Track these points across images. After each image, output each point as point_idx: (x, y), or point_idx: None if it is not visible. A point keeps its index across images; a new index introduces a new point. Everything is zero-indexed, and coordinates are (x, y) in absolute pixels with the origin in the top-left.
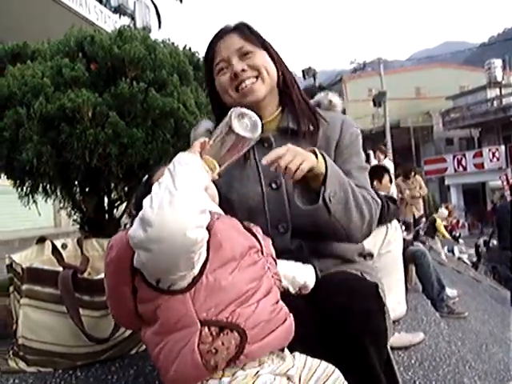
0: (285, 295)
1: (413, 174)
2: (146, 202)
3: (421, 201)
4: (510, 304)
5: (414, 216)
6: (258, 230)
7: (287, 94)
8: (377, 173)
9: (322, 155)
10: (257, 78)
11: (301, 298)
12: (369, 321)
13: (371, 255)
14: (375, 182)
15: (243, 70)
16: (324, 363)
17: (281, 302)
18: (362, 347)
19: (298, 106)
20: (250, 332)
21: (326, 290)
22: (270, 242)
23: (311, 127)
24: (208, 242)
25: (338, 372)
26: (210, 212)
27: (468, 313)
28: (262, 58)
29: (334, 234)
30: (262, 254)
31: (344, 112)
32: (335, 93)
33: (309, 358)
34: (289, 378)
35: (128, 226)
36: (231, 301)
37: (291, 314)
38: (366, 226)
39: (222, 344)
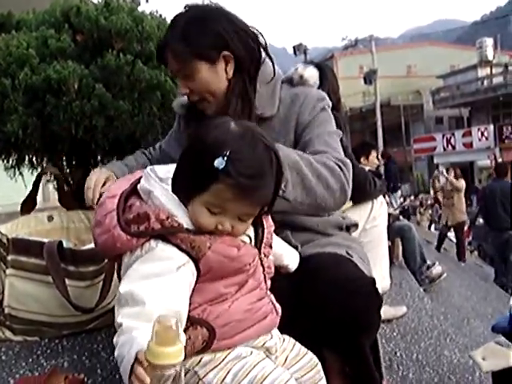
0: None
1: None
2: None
3: None
4: (493, 281)
5: None
6: (265, 215)
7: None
8: (363, 149)
9: None
10: (203, 99)
11: (287, 280)
12: (368, 320)
13: (356, 225)
14: (362, 159)
15: (189, 92)
16: (310, 354)
17: (265, 299)
18: (356, 339)
19: (248, 96)
20: (219, 330)
21: (320, 283)
22: (273, 228)
23: (268, 111)
24: (198, 265)
25: (319, 366)
26: (201, 242)
27: (451, 288)
28: (202, 81)
29: (306, 213)
30: (260, 250)
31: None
32: (308, 65)
33: (297, 344)
34: (268, 350)
35: None
36: (206, 300)
37: (277, 308)
38: (339, 194)
39: (189, 338)
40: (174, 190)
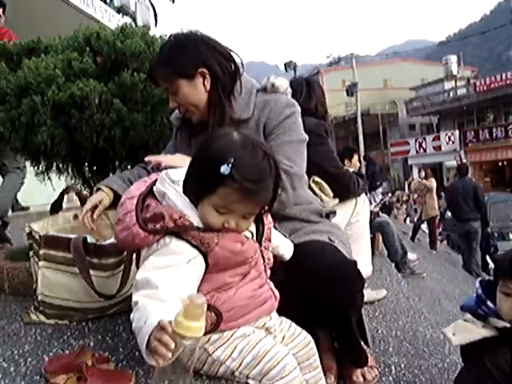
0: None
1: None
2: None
3: None
4: (460, 266)
5: None
6: (266, 214)
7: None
8: (347, 153)
9: None
10: (188, 110)
11: (282, 266)
12: (352, 299)
13: (334, 212)
14: (346, 161)
15: (177, 105)
16: (304, 333)
17: (265, 287)
18: (343, 317)
19: (230, 101)
20: (225, 314)
21: (310, 269)
22: (272, 224)
23: (245, 115)
24: (207, 259)
25: (313, 343)
26: (209, 238)
27: (425, 274)
28: (184, 95)
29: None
30: (261, 243)
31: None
32: (277, 76)
33: (293, 324)
34: (267, 329)
35: None
36: (214, 288)
37: (275, 294)
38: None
39: None
40: (184, 192)
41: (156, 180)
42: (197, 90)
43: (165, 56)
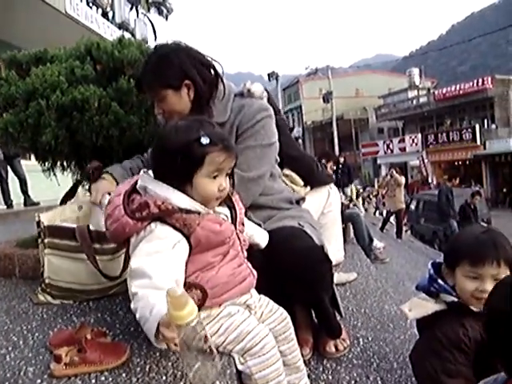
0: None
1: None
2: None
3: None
4: (421, 252)
5: None
6: (236, 199)
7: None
8: (325, 156)
9: None
10: (171, 117)
11: (258, 252)
12: (322, 279)
13: (303, 198)
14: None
15: (162, 112)
16: (281, 309)
17: (243, 265)
18: (316, 294)
19: (209, 107)
20: (210, 291)
21: (282, 254)
22: (243, 210)
23: (222, 118)
24: (189, 241)
25: (288, 318)
26: (191, 220)
27: (391, 259)
28: (170, 104)
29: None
30: (235, 227)
31: (300, 107)
32: (254, 82)
33: (271, 301)
34: (248, 306)
35: None
36: (198, 269)
37: (253, 272)
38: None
39: None
40: (164, 182)
41: (137, 180)
42: (182, 100)
43: (151, 67)
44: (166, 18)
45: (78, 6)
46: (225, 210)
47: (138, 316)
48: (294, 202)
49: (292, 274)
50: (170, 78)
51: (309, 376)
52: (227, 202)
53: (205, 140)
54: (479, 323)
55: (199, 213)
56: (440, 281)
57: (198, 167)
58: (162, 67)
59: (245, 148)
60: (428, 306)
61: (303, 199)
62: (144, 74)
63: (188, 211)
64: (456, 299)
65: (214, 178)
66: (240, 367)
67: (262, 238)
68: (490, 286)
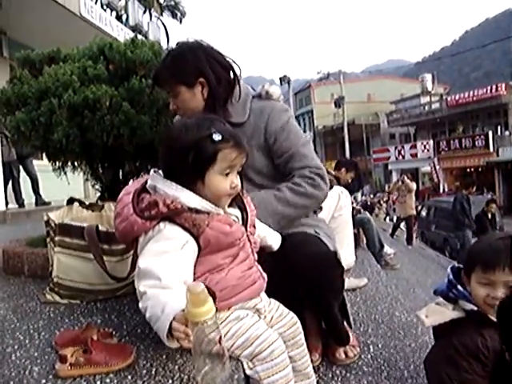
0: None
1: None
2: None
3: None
4: (431, 259)
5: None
6: (248, 201)
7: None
8: (347, 164)
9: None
10: (185, 114)
11: (270, 255)
12: (333, 284)
13: (320, 208)
14: (342, 169)
15: (176, 108)
16: (291, 314)
17: (253, 268)
18: (325, 300)
19: (225, 107)
20: (219, 293)
21: (295, 257)
22: (255, 212)
23: (240, 119)
24: (198, 241)
25: (298, 323)
26: (201, 220)
27: (401, 265)
28: (184, 101)
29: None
30: (246, 229)
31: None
32: (271, 84)
33: (281, 305)
34: (258, 310)
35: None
36: (207, 270)
37: (263, 275)
38: (316, 203)
39: None
40: (174, 181)
41: (147, 180)
42: (195, 97)
43: (168, 62)
44: (180, 22)
45: (92, 8)
46: (236, 212)
47: (147, 315)
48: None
49: (303, 277)
50: (184, 75)
51: (318, 383)
52: (238, 203)
53: (217, 137)
54: (499, 333)
55: (209, 213)
56: (459, 287)
57: (210, 164)
58: (178, 63)
59: (297, 149)
60: (446, 313)
61: (320, 208)
62: (160, 68)
63: (198, 211)
64: (475, 308)
65: (226, 175)
66: (248, 372)
67: (274, 240)
68: (501, 292)
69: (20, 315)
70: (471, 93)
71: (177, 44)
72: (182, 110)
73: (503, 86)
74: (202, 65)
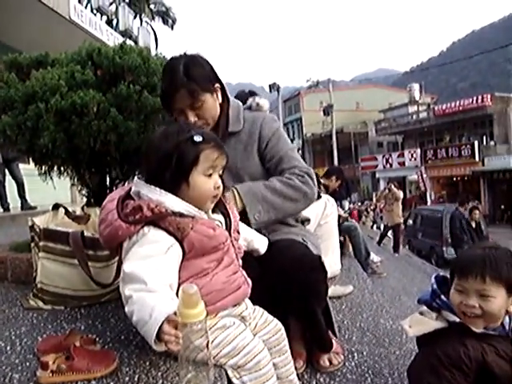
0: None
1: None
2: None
3: None
4: (418, 267)
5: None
6: (231, 207)
7: (223, 109)
8: (334, 172)
9: (237, 192)
10: (205, 123)
11: (256, 260)
12: (316, 288)
13: (308, 220)
14: (333, 177)
15: (196, 120)
16: (275, 321)
17: (238, 273)
18: (309, 305)
19: (226, 117)
20: (204, 298)
21: (281, 259)
22: (238, 218)
23: (236, 128)
24: (183, 245)
25: (283, 330)
26: (185, 224)
27: (387, 273)
28: (208, 109)
29: (284, 218)
30: (230, 234)
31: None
32: (260, 97)
33: (265, 312)
34: (243, 318)
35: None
36: (192, 275)
37: (248, 281)
38: (304, 199)
39: None
40: (158, 186)
41: (131, 187)
42: (216, 103)
43: (186, 74)
44: (172, 28)
45: (82, 12)
46: (219, 217)
47: (134, 319)
48: (300, 221)
49: (288, 278)
50: (207, 83)
51: None
52: (221, 209)
53: (198, 138)
54: (481, 344)
55: (193, 217)
56: (443, 297)
57: (193, 165)
58: (197, 73)
59: (286, 152)
60: (429, 324)
61: (308, 221)
62: (180, 82)
63: (182, 215)
64: (458, 319)
65: (209, 176)
66: (235, 382)
67: (261, 244)
68: (473, 300)
69: (2, 321)
70: (458, 103)
71: (175, 58)
72: (203, 120)
73: (489, 96)
74: (213, 72)
